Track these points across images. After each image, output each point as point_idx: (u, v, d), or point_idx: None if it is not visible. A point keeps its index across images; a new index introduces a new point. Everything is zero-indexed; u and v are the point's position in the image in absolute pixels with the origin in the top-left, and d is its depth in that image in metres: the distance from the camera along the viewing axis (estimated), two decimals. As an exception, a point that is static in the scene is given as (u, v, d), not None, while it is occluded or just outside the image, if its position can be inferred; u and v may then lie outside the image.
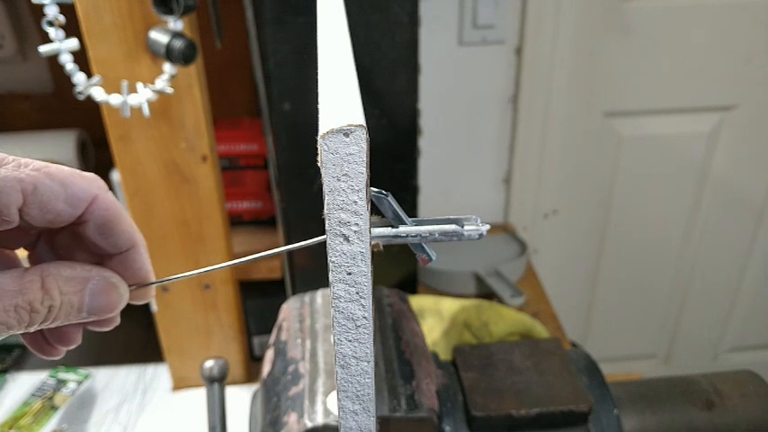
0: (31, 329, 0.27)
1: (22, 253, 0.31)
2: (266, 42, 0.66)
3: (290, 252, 0.79)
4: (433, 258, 0.28)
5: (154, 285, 0.32)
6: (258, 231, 0.94)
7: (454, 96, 1.12)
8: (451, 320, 0.86)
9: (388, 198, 0.26)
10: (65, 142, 0.94)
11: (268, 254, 0.31)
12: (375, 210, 0.26)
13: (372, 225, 0.26)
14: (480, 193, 1.23)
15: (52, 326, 0.28)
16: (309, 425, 0.43)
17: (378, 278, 0.74)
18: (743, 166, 1.27)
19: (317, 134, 0.22)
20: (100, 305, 0.29)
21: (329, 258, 0.24)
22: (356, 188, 0.22)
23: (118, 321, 0.31)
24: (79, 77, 0.60)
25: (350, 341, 0.25)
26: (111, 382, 0.90)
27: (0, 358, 0.94)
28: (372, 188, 0.25)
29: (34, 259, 0.31)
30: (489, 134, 1.17)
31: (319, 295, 0.56)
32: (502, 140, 1.18)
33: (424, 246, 0.28)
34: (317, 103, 0.24)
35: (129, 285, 0.31)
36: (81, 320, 0.29)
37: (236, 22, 0.86)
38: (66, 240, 0.31)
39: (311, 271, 0.80)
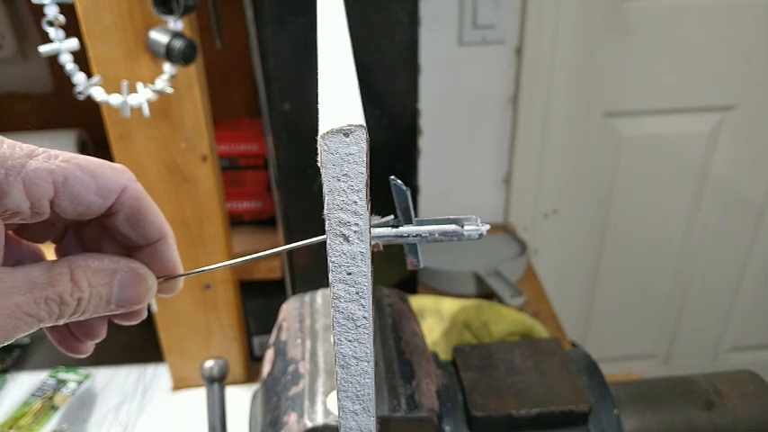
0: (61, 322, 0.27)
1: (48, 247, 0.31)
2: (266, 42, 0.66)
3: (290, 252, 0.79)
4: (421, 266, 0.28)
5: (182, 278, 0.32)
6: (258, 231, 0.94)
7: (454, 96, 1.12)
8: (451, 320, 0.86)
9: (408, 192, 0.26)
10: (65, 142, 0.94)
11: (295, 246, 0.31)
12: (375, 210, 0.26)
13: (372, 225, 0.27)
14: (480, 193, 1.23)
15: (81, 318, 0.28)
16: (309, 425, 0.43)
17: (378, 278, 0.74)
18: (743, 166, 1.27)
19: (317, 134, 0.22)
20: (128, 297, 0.29)
21: (329, 258, 0.24)
22: (356, 188, 0.22)
23: (145, 315, 0.31)
24: (79, 77, 0.60)
25: (350, 341, 0.25)
26: (111, 382, 0.90)
27: (0, 358, 0.94)
28: (396, 179, 0.26)
29: (62, 252, 0.31)
30: (489, 134, 1.17)
31: (319, 295, 0.56)
32: (502, 140, 1.17)
33: (418, 249, 0.28)
34: (316, 103, 0.24)
35: (158, 277, 0.31)
36: (109, 313, 0.29)
37: (236, 22, 0.86)
38: (94, 232, 0.31)
39: (311, 271, 0.80)
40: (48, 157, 0.26)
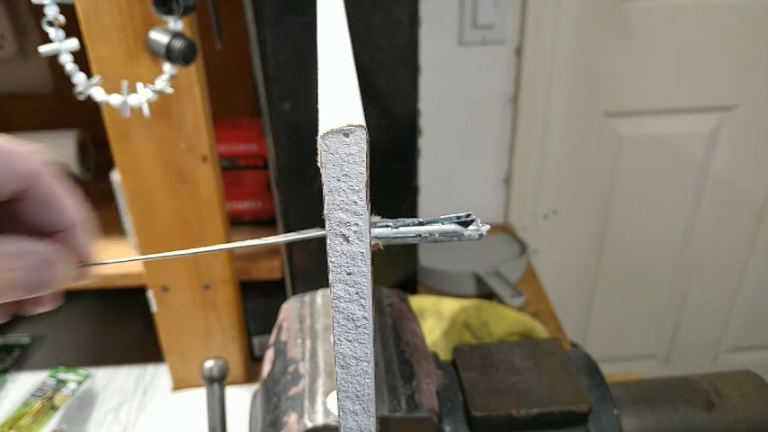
0: None
1: None
2: (266, 42, 0.66)
3: (289, 252, 0.79)
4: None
5: (95, 266, 0.31)
6: (258, 231, 0.94)
7: (454, 96, 1.12)
8: (451, 320, 0.86)
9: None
10: (65, 142, 0.93)
11: (293, 238, 0.30)
12: (375, 210, 0.26)
13: (372, 225, 0.26)
14: (480, 193, 1.23)
15: None
16: (309, 425, 0.43)
17: (378, 278, 0.74)
18: (743, 166, 1.27)
19: (316, 134, 0.22)
20: (41, 281, 0.27)
21: (329, 259, 0.24)
22: (356, 188, 0.22)
23: (58, 303, 0.30)
24: (79, 77, 0.60)
25: (350, 341, 0.25)
26: (111, 382, 0.90)
27: (0, 358, 0.94)
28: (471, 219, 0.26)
29: None
30: (489, 134, 1.17)
31: (319, 295, 0.56)
32: (502, 140, 1.17)
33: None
34: (316, 103, 0.24)
35: (74, 263, 0.29)
36: (20, 297, 0.27)
37: (236, 22, 0.86)
38: (0, 216, 0.29)
39: (311, 271, 0.80)
40: None
